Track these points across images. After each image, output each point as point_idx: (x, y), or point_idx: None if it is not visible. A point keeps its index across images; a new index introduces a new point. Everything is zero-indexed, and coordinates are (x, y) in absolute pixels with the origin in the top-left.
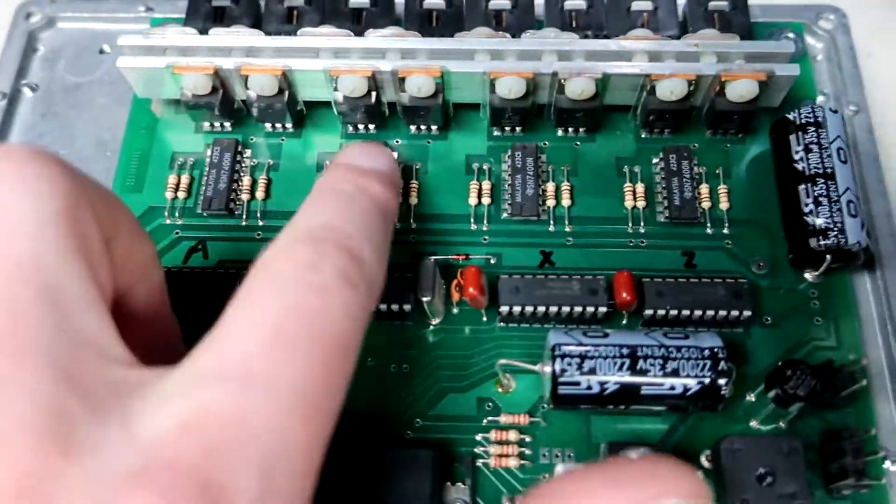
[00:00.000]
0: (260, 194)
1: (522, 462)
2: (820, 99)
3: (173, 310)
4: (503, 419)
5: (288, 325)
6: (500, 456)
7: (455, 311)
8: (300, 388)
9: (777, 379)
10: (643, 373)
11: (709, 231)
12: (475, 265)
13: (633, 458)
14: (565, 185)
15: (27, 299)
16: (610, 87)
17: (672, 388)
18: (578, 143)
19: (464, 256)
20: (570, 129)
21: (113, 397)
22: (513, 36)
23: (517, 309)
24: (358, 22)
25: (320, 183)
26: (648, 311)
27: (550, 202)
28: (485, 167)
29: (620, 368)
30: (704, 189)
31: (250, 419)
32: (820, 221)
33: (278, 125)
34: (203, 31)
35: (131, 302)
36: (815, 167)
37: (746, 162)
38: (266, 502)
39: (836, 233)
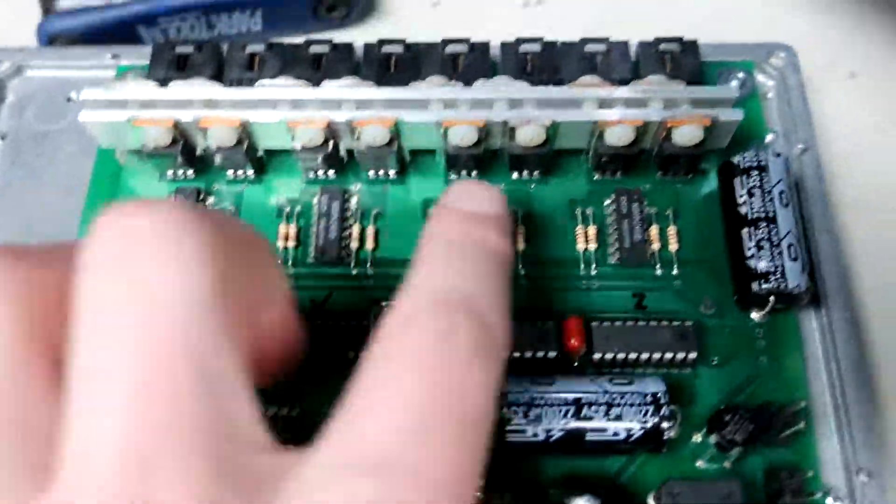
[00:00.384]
0: None
1: None
2: (769, 137)
3: None
4: None
5: (432, 408)
6: None
7: None
8: (448, 478)
9: (716, 424)
10: (587, 419)
11: (658, 272)
12: None
13: None
14: (519, 229)
15: (187, 388)
16: (560, 132)
17: (616, 433)
18: (533, 185)
19: None
20: (525, 173)
21: (260, 487)
22: (468, 82)
23: None
24: (318, 68)
25: (433, 233)
26: (597, 355)
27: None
28: None
29: (566, 415)
30: (654, 231)
31: None
32: (762, 265)
33: (240, 172)
34: (165, 81)
35: (266, 345)
36: (757, 211)
37: (696, 203)
38: None
39: (776, 277)
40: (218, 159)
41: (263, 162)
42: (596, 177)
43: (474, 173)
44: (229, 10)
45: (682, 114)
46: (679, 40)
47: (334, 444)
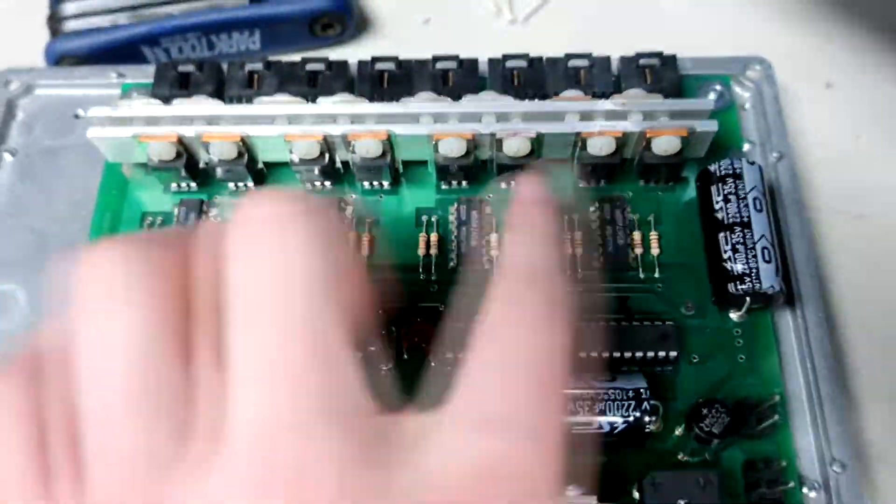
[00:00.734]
0: None
1: None
2: (746, 146)
3: None
4: None
5: (547, 371)
6: None
7: (405, 357)
8: (557, 439)
9: (694, 417)
10: (573, 413)
11: (641, 276)
12: (422, 318)
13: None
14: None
15: (325, 361)
16: (545, 144)
17: (600, 426)
18: None
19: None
20: (512, 182)
21: (388, 448)
22: (457, 96)
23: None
24: (314, 85)
25: (516, 221)
26: (582, 354)
27: (494, 252)
28: (433, 219)
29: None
30: (637, 236)
31: (533, 470)
32: (737, 268)
33: (241, 184)
34: (168, 99)
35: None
36: (733, 216)
37: (676, 209)
38: None
39: (751, 278)
40: (220, 172)
41: (263, 174)
42: (581, 185)
43: (464, 183)
44: (229, 30)
45: (660, 125)
46: (659, 55)
47: (463, 405)
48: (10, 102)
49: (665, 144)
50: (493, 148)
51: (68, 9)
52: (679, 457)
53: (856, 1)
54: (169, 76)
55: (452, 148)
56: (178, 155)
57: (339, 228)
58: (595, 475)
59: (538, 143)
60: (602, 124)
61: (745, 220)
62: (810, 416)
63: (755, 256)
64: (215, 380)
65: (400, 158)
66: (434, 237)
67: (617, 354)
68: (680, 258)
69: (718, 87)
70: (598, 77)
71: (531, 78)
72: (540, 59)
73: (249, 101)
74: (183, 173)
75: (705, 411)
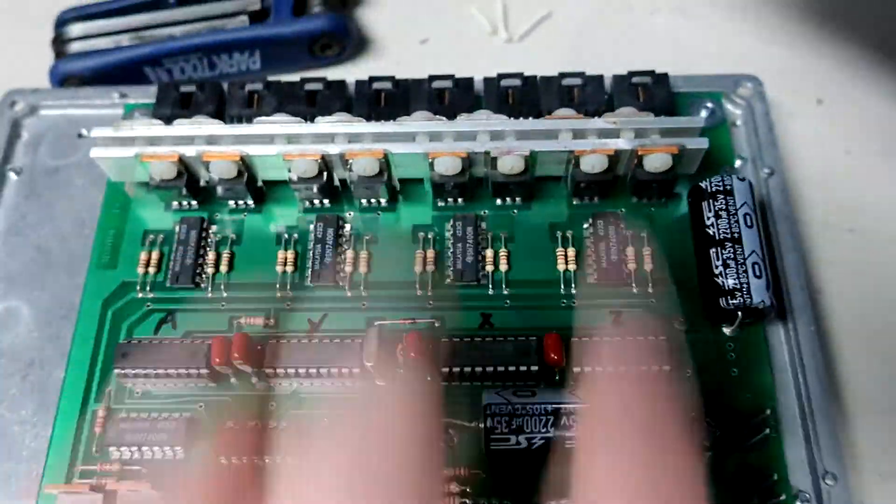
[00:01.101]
0: (224, 267)
1: None
2: (738, 162)
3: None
4: (446, 472)
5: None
6: None
7: (401, 371)
8: None
9: None
10: (567, 428)
11: (634, 290)
12: (416, 330)
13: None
14: (503, 252)
15: None
16: (539, 161)
17: None
18: (515, 210)
19: (410, 321)
20: (507, 199)
21: None
22: (453, 115)
23: (456, 370)
24: (312, 104)
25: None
26: (576, 369)
27: (489, 268)
28: (430, 236)
29: (546, 425)
30: (630, 252)
31: None
32: (728, 282)
33: (241, 202)
34: (169, 119)
35: None
36: (723, 232)
37: (669, 225)
38: None
39: (742, 293)
40: (220, 190)
41: (263, 192)
42: (574, 202)
43: (460, 200)
44: (230, 50)
45: (651, 143)
46: (651, 73)
47: None
48: (16, 122)
49: (656, 162)
50: (487, 166)
51: (72, 31)
52: None
53: (845, 18)
54: (171, 96)
55: (448, 166)
56: (179, 174)
57: None
58: None
59: (532, 160)
60: (595, 142)
61: (736, 235)
62: (802, 428)
63: (746, 272)
64: None
65: (397, 176)
66: (431, 253)
67: (611, 368)
68: (672, 273)
69: (710, 105)
70: (591, 96)
71: (525, 96)
72: (534, 77)
73: (249, 120)
74: (184, 192)
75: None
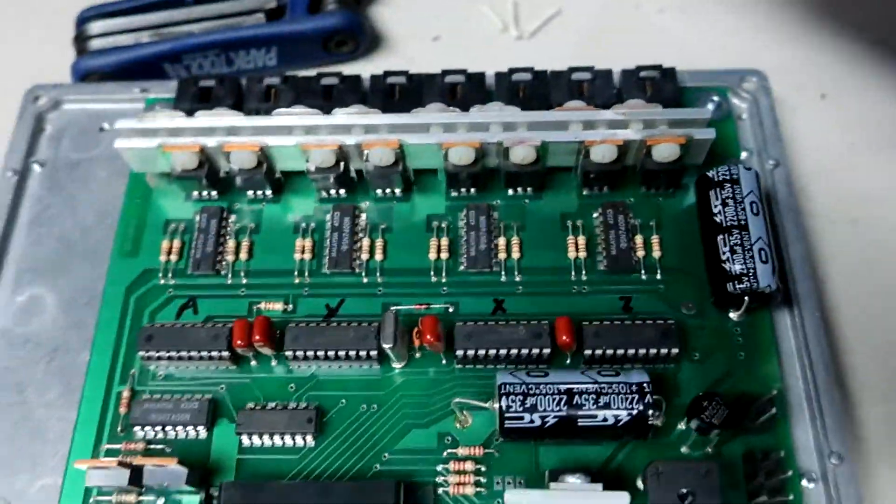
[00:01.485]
0: (243, 255)
1: (478, 489)
2: (744, 154)
3: (167, 361)
4: (461, 451)
5: None
6: (458, 484)
7: (417, 355)
8: None
9: (695, 410)
10: (578, 407)
11: (643, 277)
12: (432, 315)
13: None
14: (515, 240)
15: None
16: (550, 152)
17: (605, 419)
18: (527, 200)
19: (425, 306)
20: (519, 189)
21: None
22: (465, 108)
23: (471, 353)
24: (329, 98)
25: None
26: (588, 351)
27: (502, 255)
28: (443, 225)
29: (559, 404)
30: (639, 240)
31: None
32: (736, 268)
33: (259, 192)
34: (190, 112)
35: None
36: (731, 219)
37: (677, 213)
38: None
39: (749, 278)
40: (239, 181)
41: (281, 183)
42: (585, 192)
43: (473, 190)
44: (247, 47)
45: (660, 133)
46: (658, 68)
47: None
48: (39, 117)
49: (665, 152)
50: (500, 156)
51: (93, 28)
52: (681, 450)
53: (848, 15)
54: (191, 90)
55: (461, 156)
56: (201, 164)
57: None
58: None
59: (543, 151)
60: (604, 133)
61: (743, 222)
62: (808, 410)
63: (752, 257)
64: None
65: (411, 167)
66: (444, 241)
67: (620, 351)
68: (681, 261)
69: (716, 99)
70: (600, 89)
71: (536, 90)
72: (544, 72)
73: (267, 113)
74: (204, 182)
75: (705, 403)
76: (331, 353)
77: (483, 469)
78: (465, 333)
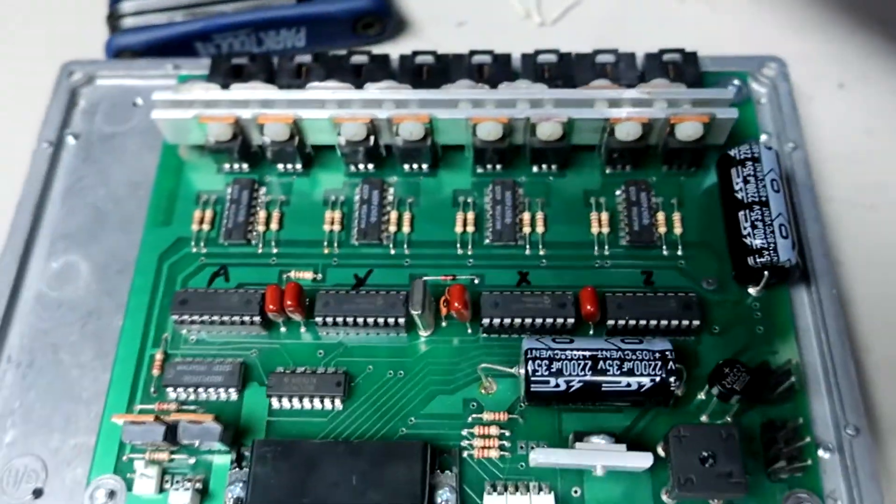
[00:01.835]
0: (274, 226)
1: (502, 453)
2: (763, 137)
3: (199, 325)
4: (486, 416)
5: None
6: (483, 448)
7: (443, 324)
8: None
9: (717, 376)
10: (603, 372)
11: (664, 253)
12: (460, 283)
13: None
14: (539, 215)
15: None
16: (575, 129)
17: (628, 385)
18: (551, 177)
19: (451, 277)
20: (544, 166)
21: None
22: (491, 87)
23: (497, 321)
24: (358, 76)
25: None
26: (611, 322)
27: (526, 229)
28: (469, 200)
29: (584, 369)
30: (661, 216)
31: None
32: (756, 242)
33: (290, 166)
34: (224, 86)
35: None
36: (752, 196)
37: (698, 192)
38: None
39: (769, 252)
40: (271, 154)
41: (311, 157)
42: (608, 170)
43: (499, 167)
44: (277, 27)
45: (683, 112)
46: (681, 51)
47: None
48: (74, 91)
49: (688, 130)
50: (526, 132)
51: (126, 7)
52: (702, 419)
53: (866, 4)
54: (223, 67)
55: (489, 132)
56: (234, 136)
57: None
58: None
59: (569, 127)
60: (629, 111)
61: (764, 199)
62: (825, 383)
63: (773, 232)
64: None
65: (440, 143)
66: (470, 215)
67: (643, 322)
68: (701, 237)
69: (737, 83)
70: (623, 72)
71: (560, 72)
72: (569, 54)
73: (300, 89)
74: (236, 154)
75: (727, 370)
76: (359, 320)
77: (507, 434)
78: (492, 302)
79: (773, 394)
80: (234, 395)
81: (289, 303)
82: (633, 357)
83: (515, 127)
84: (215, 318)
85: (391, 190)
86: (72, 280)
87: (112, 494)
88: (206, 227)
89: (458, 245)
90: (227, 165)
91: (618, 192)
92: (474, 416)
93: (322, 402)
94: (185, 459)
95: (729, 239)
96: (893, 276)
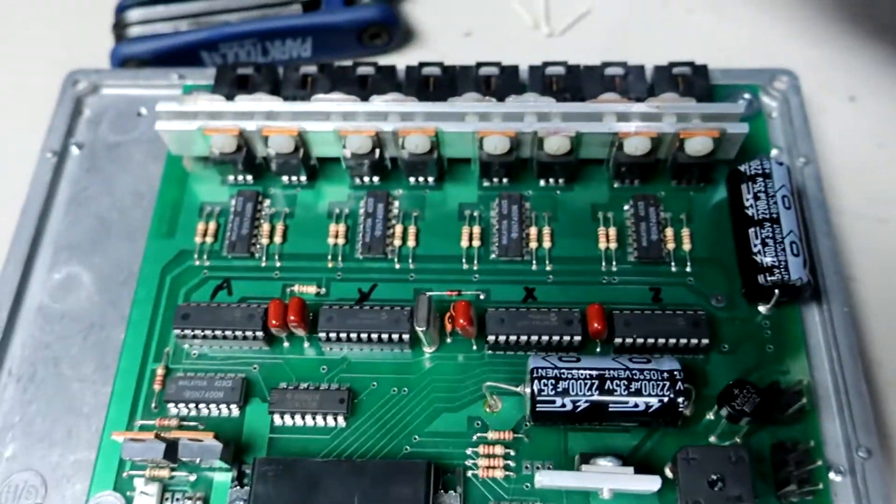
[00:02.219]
0: (278, 239)
1: (507, 473)
2: (774, 152)
3: (202, 339)
4: (490, 435)
5: None
6: (488, 467)
7: (448, 340)
8: None
9: (726, 397)
10: (610, 392)
11: (673, 269)
12: (465, 299)
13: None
14: (546, 230)
15: None
16: (583, 143)
17: (636, 405)
18: (558, 191)
19: (456, 292)
20: (551, 180)
21: None
22: (500, 99)
23: (502, 338)
24: (364, 87)
25: None
26: (618, 340)
27: (533, 244)
28: (475, 214)
29: (590, 389)
30: (669, 232)
31: None
32: (767, 260)
33: (294, 178)
34: (229, 97)
35: None
36: (762, 213)
37: (708, 208)
38: None
39: (780, 270)
40: (275, 166)
41: (316, 169)
42: (615, 185)
43: (505, 180)
44: (283, 37)
45: (693, 126)
46: (690, 64)
47: None
48: (78, 100)
49: (698, 145)
50: (534, 146)
51: (132, 16)
52: (710, 440)
53: (877, 17)
54: (228, 77)
55: (496, 145)
56: (239, 148)
57: None
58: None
59: (577, 142)
60: (638, 125)
61: (774, 216)
62: (836, 404)
63: (784, 250)
64: None
65: (445, 156)
66: (476, 230)
67: (651, 340)
68: (710, 254)
69: (747, 96)
70: (632, 84)
71: (569, 84)
72: (577, 66)
73: (303, 101)
74: (240, 166)
75: (736, 391)
76: (363, 336)
77: (512, 453)
78: (498, 319)
79: (784, 415)
80: (235, 412)
81: (292, 318)
82: (641, 377)
83: (523, 140)
84: (217, 332)
85: (396, 203)
86: (74, 291)
87: None
88: (209, 239)
89: (464, 260)
90: (231, 177)
91: (626, 207)
92: (479, 434)
93: (325, 418)
94: (186, 476)
95: (739, 256)
96: None
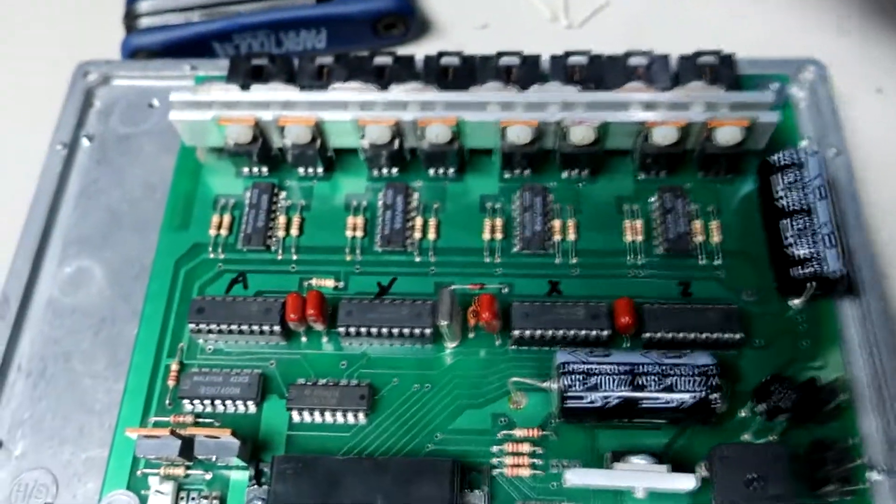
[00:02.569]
0: (294, 231)
1: (534, 472)
2: (803, 142)
3: (217, 334)
4: (517, 433)
5: None
6: (514, 466)
7: (471, 335)
8: None
9: (763, 393)
10: (642, 388)
11: (702, 262)
12: (489, 293)
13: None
14: (570, 222)
15: None
16: (609, 133)
17: (668, 402)
18: (582, 183)
19: (479, 286)
20: (574, 171)
21: None
22: (521, 89)
23: (528, 333)
24: (381, 77)
25: None
26: (647, 334)
27: (557, 237)
28: (497, 206)
29: (621, 384)
30: (698, 224)
31: None
32: (800, 252)
33: (310, 170)
34: (244, 88)
35: None
36: (795, 204)
37: (736, 200)
38: None
39: (815, 262)
40: (291, 157)
41: (332, 161)
42: (641, 176)
43: (527, 172)
44: (297, 27)
45: (722, 116)
46: (717, 53)
47: None
48: (89, 92)
49: (727, 135)
50: (557, 136)
51: (143, 6)
52: (744, 437)
53: None
54: (242, 68)
55: (519, 135)
56: (254, 138)
57: None
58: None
59: (603, 132)
60: (666, 114)
61: (808, 207)
62: (877, 400)
63: (818, 241)
64: None
65: (466, 146)
66: (499, 222)
67: (681, 335)
68: (740, 247)
69: (776, 86)
70: (656, 74)
71: (591, 74)
72: (600, 56)
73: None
74: (255, 158)
75: (773, 387)
76: (384, 331)
77: (539, 451)
78: (523, 313)
79: (822, 412)
80: (252, 408)
81: (311, 311)
82: (673, 372)
83: (546, 130)
84: (233, 327)
85: (416, 195)
86: (85, 285)
87: None
88: (224, 232)
89: (486, 253)
90: (246, 169)
91: (652, 199)
92: (504, 432)
93: (345, 415)
94: (202, 475)
95: (771, 249)
96: None
